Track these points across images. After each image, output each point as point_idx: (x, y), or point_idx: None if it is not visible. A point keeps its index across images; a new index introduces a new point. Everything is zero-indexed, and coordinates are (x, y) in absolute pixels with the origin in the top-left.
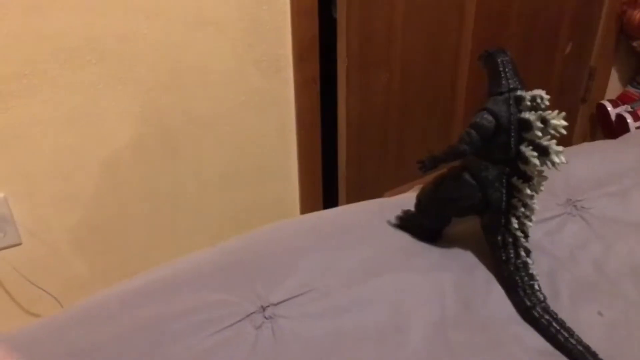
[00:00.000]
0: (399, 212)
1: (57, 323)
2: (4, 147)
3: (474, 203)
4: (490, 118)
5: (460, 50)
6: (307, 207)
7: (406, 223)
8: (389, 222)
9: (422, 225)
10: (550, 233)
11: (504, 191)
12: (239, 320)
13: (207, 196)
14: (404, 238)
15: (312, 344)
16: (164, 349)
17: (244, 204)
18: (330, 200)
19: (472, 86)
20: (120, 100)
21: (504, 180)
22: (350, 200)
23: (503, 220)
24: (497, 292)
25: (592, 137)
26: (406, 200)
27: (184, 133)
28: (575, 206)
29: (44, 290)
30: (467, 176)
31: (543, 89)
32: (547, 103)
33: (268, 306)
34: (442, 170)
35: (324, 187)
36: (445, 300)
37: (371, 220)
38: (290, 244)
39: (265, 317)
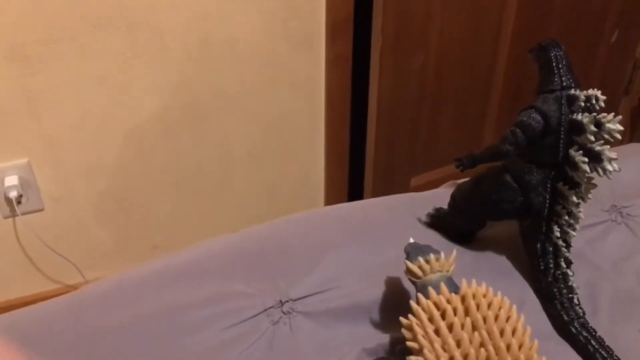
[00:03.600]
0: (430, 209)
1: (71, 304)
2: (29, 112)
3: (513, 207)
4: (538, 118)
5: (500, 35)
6: (332, 188)
7: (438, 221)
8: (419, 220)
9: (455, 225)
10: (593, 241)
11: (547, 197)
12: (257, 314)
13: (232, 172)
14: (434, 238)
15: (331, 344)
16: (178, 339)
17: (268, 182)
18: (356, 182)
19: (510, 74)
20: (148, 70)
21: (548, 185)
22: (377, 184)
23: (544, 228)
24: (532, 303)
25: (633, 131)
26: (438, 196)
27: (211, 107)
28: (620, 213)
29: (65, 258)
30: (508, 178)
31: (584, 78)
32: (603, 104)
33: (287, 301)
34: (481, 169)
35: (351, 169)
36: None
37: (401, 217)
38: (315, 237)
39: (283, 312)
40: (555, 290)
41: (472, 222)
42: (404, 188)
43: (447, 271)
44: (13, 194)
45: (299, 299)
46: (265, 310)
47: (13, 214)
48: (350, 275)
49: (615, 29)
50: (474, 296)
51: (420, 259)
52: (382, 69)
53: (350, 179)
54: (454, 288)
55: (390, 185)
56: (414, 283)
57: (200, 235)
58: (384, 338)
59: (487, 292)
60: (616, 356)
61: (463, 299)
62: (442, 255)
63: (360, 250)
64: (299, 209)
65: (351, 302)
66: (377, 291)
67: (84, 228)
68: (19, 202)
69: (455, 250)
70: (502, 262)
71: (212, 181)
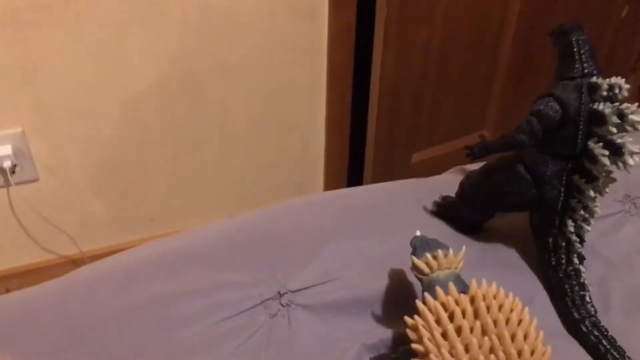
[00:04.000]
0: (436, 197)
1: (58, 292)
2: (22, 79)
3: (525, 199)
4: (556, 107)
5: (507, 9)
6: (332, 162)
7: (444, 211)
8: (424, 209)
9: (462, 215)
10: (605, 234)
11: (562, 190)
12: (254, 306)
13: (230, 145)
14: (440, 228)
15: (330, 339)
16: (169, 332)
17: (268, 155)
18: (356, 157)
19: (517, 50)
20: (146, 39)
21: (563, 178)
22: (378, 159)
23: (557, 222)
24: (541, 299)
25: None
26: (444, 183)
27: (210, 78)
28: (634, 204)
29: (60, 229)
30: (521, 169)
31: None
32: (626, 94)
33: (286, 293)
34: (492, 158)
35: (351, 143)
36: None
37: (405, 205)
38: (315, 226)
39: (281, 305)
40: (566, 286)
41: (481, 213)
42: (405, 164)
43: (456, 268)
44: (7, 164)
45: (298, 290)
46: (263, 302)
47: (7, 183)
48: (352, 267)
49: (625, 5)
50: (484, 297)
51: (427, 255)
52: (386, 41)
53: (351, 153)
54: (462, 287)
55: (391, 161)
56: (420, 280)
57: (197, 207)
58: (386, 333)
59: (498, 292)
60: (628, 357)
61: (472, 300)
62: (451, 251)
63: (363, 240)
64: (298, 182)
65: (352, 295)
66: (379, 284)
67: (79, 199)
68: (13, 172)
69: (464, 247)
70: (510, 256)
71: (210, 153)
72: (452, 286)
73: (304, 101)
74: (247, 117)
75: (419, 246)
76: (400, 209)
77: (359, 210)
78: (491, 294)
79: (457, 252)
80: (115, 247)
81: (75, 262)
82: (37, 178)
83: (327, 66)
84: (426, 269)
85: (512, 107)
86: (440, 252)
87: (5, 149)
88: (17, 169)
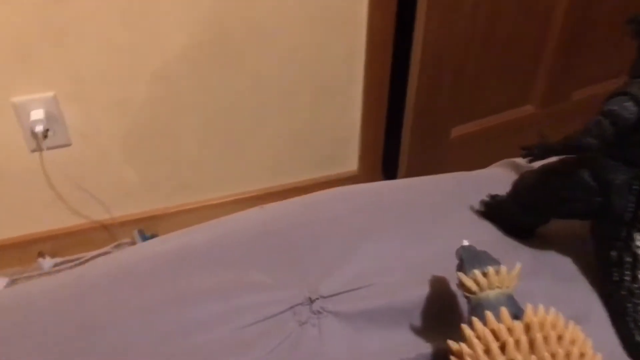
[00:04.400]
0: (483, 194)
1: (75, 286)
2: (54, 43)
3: (588, 208)
4: (632, 107)
5: None
6: (368, 134)
7: (492, 211)
8: (471, 208)
9: (513, 218)
10: None
11: (633, 200)
12: (281, 312)
13: (264, 113)
14: (487, 230)
15: (364, 352)
16: (189, 336)
17: (302, 125)
18: (393, 129)
19: (570, 19)
20: (179, 2)
21: (634, 187)
22: (416, 132)
23: (624, 234)
24: (599, 317)
25: None
26: (492, 178)
27: (245, 44)
28: None
29: (92, 195)
30: (585, 175)
31: None
32: None
33: (317, 298)
34: (552, 160)
35: (389, 115)
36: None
37: (449, 203)
38: (350, 223)
39: (312, 312)
40: (629, 305)
41: (535, 217)
42: (444, 138)
43: (508, 287)
44: (39, 128)
45: (330, 296)
46: (292, 307)
47: (39, 148)
48: (389, 271)
49: None
50: (541, 326)
51: (476, 272)
52: (431, 5)
53: (388, 126)
54: (516, 309)
55: (430, 135)
56: (467, 298)
57: (229, 176)
58: (425, 348)
59: (557, 320)
60: None
61: (527, 329)
62: (503, 268)
63: (402, 241)
64: (332, 154)
65: (389, 303)
66: (419, 292)
67: (111, 165)
68: (45, 137)
69: (519, 264)
70: (566, 265)
71: (243, 121)
72: (504, 311)
73: (341, 69)
74: (281, 84)
75: (467, 259)
76: (444, 208)
77: (398, 208)
78: (549, 322)
79: (511, 268)
80: (147, 214)
81: (107, 228)
82: (69, 143)
83: (366, 32)
84: (474, 287)
85: (562, 80)
86: (491, 269)
87: (38, 113)
88: (50, 134)
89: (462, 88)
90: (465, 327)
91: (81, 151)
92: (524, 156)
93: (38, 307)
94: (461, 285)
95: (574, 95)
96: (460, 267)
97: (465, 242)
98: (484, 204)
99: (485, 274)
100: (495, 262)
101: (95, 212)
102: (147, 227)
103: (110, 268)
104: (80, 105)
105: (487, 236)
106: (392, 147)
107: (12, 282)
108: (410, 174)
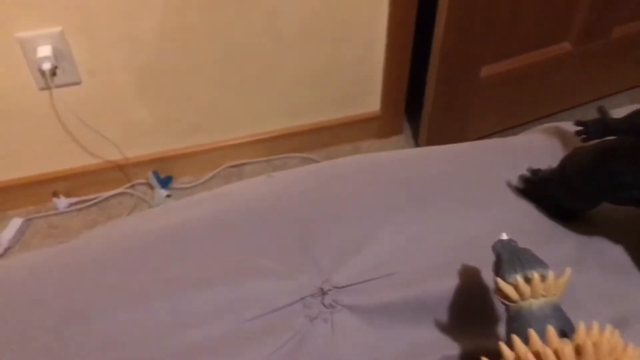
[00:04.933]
0: (522, 168)
1: (64, 267)
2: None
3: None
4: None
5: None
6: (391, 73)
7: (534, 189)
8: (509, 184)
9: (559, 199)
10: None
11: None
12: (290, 304)
13: (281, 50)
14: (526, 211)
15: (381, 352)
16: (185, 330)
17: (321, 63)
18: (418, 67)
19: None
20: None
21: None
22: (442, 71)
23: None
24: None
25: None
26: (533, 147)
27: None
28: None
29: (103, 135)
30: None
31: None
32: None
33: (330, 290)
34: (608, 139)
35: (414, 52)
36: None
37: (483, 177)
38: (371, 200)
39: (324, 305)
40: None
41: (584, 201)
42: (473, 78)
43: (554, 295)
44: (46, 66)
45: (345, 287)
46: (302, 299)
47: (48, 86)
48: (413, 258)
49: None
50: (595, 350)
51: (518, 277)
52: None
53: (413, 64)
54: (563, 323)
55: (458, 73)
56: (505, 306)
57: (244, 118)
58: (451, 350)
59: (615, 343)
60: None
61: (578, 352)
62: (550, 273)
63: (428, 223)
64: (353, 94)
65: (412, 295)
66: (446, 284)
67: (122, 104)
68: (54, 74)
69: (569, 270)
70: (617, 255)
71: (259, 60)
72: (551, 331)
73: (363, 3)
74: (300, 21)
75: (506, 260)
76: (477, 184)
77: (425, 183)
78: (605, 344)
79: (555, 260)
80: (161, 155)
81: (121, 168)
82: (79, 81)
83: None
84: (515, 296)
85: (602, 15)
86: (535, 275)
87: (45, 50)
88: (59, 71)
89: (495, 23)
90: (504, 348)
91: (91, 89)
92: (578, 134)
93: (19, 293)
94: (498, 291)
95: (615, 32)
96: (498, 268)
97: (504, 236)
98: (524, 180)
99: (528, 280)
100: (540, 264)
101: (109, 152)
102: (161, 169)
103: (98, 246)
104: (89, 41)
105: (526, 218)
106: (416, 87)
107: (28, 221)
108: (435, 115)
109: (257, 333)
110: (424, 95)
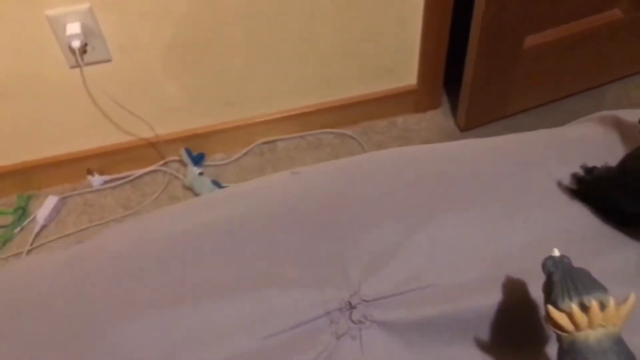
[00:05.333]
0: (575, 164)
1: (69, 273)
2: None
3: None
4: None
5: None
6: (429, 44)
7: (588, 190)
8: (559, 184)
9: (617, 202)
10: None
11: None
12: (315, 319)
13: (314, 22)
14: (581, 215)
15: None
16: (202, 347)
17: (356, 35)
18: (457, 38)
19: None
20: None
21: None
22: (484, 41)
23: None
24: None
25: None
26: (585, 140)
27: None
28: None
29: (133, 113)
30: None
31: None
32: None
33: (359, 303)
34: None
35: (453, 22)
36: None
37: (532, 177)
38: (405, 201)
39: (352, 321)
40: None
41: None
42: (516, 48)
43: (615, 325)
44: (76, 44)
45: (375, 300)
46: (328, 313)
47: (78, 64)
48: (451, 269)
49: None
50: None
51: (573, 305)
52: None
53: (452, 35)
54: (625, 358)
55: (500, 43)
56: (557, 335)
57: (276, 92)
58: None
59: None
60: None
61: None
62: (611, 301)
63: (469, 228)
64: (389, 67)
65: (450, 311)
66: (489, 298)
67: (153, 81)
68: (84, 52)
69: (632, 295)
70: None
71: (291, 32)
72: None
73: None
74: None
75: (559, 282)
76: (523, 183)
77: (465, 181)
78: None
79: (621, 301)
80: (192, 132)
81: (154, 146)
82: (109, 58)
83: None
84: (569, 326)
85: None
86: (593, 302)
87: (74, 27)
88: (89, 49)
89: None
90: None
91: (122, 67)
92: None
93: (25, 304)
94: (549, 319)
95: None
96: (549, 291)
97: (556, 252)
98: (577, 179)
99: (584, 307)
100: (599, 288)
101: (141, 129)
102: (194, 146)
103: (110, 252)
104: (118, 16)
105: (579, 224)
106: (455, 58)
107: (63, 199)
108: (475, 88)
109: (278, 351)
110: (463, 67)
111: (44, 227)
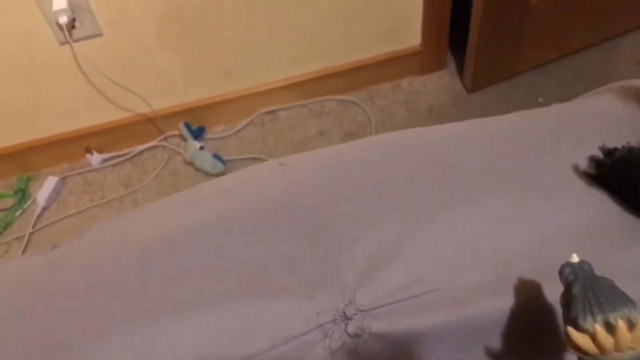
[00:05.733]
0: (593, 145)
1: (43, 284)
2: None
3: None
4: None
5: None
6: (433, 4)
7: (607, 174)
8: (576, 169)
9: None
10: None
11: None
12: (306, 332)
13: None
14: (601, 204)
15: None
16: None
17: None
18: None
19: None
20: None
21: None
22: (488, 5)
23: None
24: None
25: None
26: (603, 116)
27: None
28: None
29: (127, 89)
30: None
31: None
32: None
33: (355, 314)
34: None
35: None
36: None
37: (545, 161)
38: (408, 195)
39: (348, 334)
40: None
41: None
42: (524, 4)
43: None
44: (63, 19)
45: (373, 309)
46: (320, 326)
47: (67, 40)
48: (457, 270)
49: None
50: None
51: (597, 326)
52: None
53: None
54: None
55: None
56: (579, 358)
57: (276, 60)
58: None
59: None
60: None
61: None
62: None
63: (478, 223)
64: (392, 28)
65: (457, 318)
66: (502, 302)
67: (146, 54)
68: (72, 27)
69: None
70: None
71: (289, 3)
72: None
73: None
74: None
75: (580, 295)
76: (536, 168)
77: (472, 170)
78: None
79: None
80: (192, 105)
81: (152, 121)
82: (99, 33)
83: None
84: (592, 349)
85: None
86: (620, 321)
87: (60, 2)
88: (77, 24)
89: None
90: None
91: (113, 41)
92: None
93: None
94: (570, 341)
95: None
96: (567, 305)
97: (575, 258)
98: (596, 163)
99: (610, 327)
100: (626, 301)
101: (138, 105)
102: (193, 119)
103: (86, 260)
104: None
105: (599, 213)
106: (460, 16)
107: (63, 179)
108: (481, 47)
109: None
110: (468, 25)
111: (45, 209)
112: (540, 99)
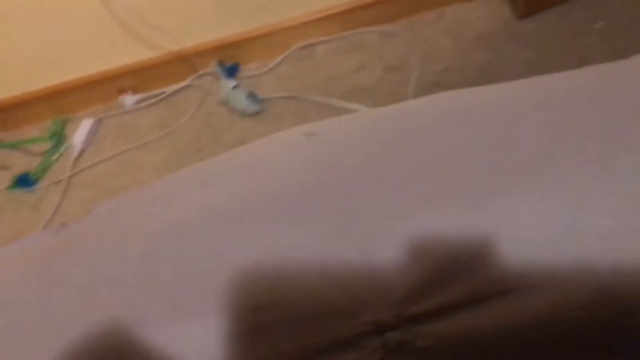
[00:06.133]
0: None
1: (35, 277)
2: None
3: None
4: None
5: None
6: None
7: None
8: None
9: None
10: None
11: None
12: (336, 348)
13: None
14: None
15: None
16: None
17: None
18: None
19: None
20: None
21: None
22: None
23: None
24: None
25: None
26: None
27: None
28: None
29: (156, 26)
30: None
31: None
32: None
33: (404, 321)
34: None
35: None
36: None
37: (633, 126)
38: (460, 175)
39: (389, 348)
40: None
41: None
42: None
43: None
44: None
45: (423, 314)
46: (355, 337)
47: None
48: (524, 265)
49: None
50: None
51: None
52: None
53: None
54: None
55: None
56: None
57: None
58: None
59: None
60: None
61: None
62: None
63: (547, 211)
64: None
65: (526, 327)
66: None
67: None
68: None
69: None
70: None
71: None
72: None
73: None
74: None
75: None
76: (620, 144)
77: (540, 145)
78: None
79: None
80: (223, 41)
81: (185, 59)
82: None
83: None
84: None
85: None
86: None
87: None
88: None
89: None
90: None
91: None
92: None
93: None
94: None
95: None
96: None
97: None
98: None
99: None
100: None
101: (169, 42)
102: (226, 56)
103: (87, 250)
104: None
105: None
106: None
107: (98, 122)
108: None
109: None
110: None
111: (82, 151)
112: (599, 24)
